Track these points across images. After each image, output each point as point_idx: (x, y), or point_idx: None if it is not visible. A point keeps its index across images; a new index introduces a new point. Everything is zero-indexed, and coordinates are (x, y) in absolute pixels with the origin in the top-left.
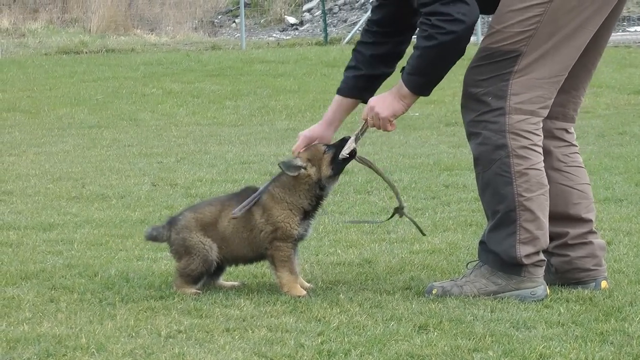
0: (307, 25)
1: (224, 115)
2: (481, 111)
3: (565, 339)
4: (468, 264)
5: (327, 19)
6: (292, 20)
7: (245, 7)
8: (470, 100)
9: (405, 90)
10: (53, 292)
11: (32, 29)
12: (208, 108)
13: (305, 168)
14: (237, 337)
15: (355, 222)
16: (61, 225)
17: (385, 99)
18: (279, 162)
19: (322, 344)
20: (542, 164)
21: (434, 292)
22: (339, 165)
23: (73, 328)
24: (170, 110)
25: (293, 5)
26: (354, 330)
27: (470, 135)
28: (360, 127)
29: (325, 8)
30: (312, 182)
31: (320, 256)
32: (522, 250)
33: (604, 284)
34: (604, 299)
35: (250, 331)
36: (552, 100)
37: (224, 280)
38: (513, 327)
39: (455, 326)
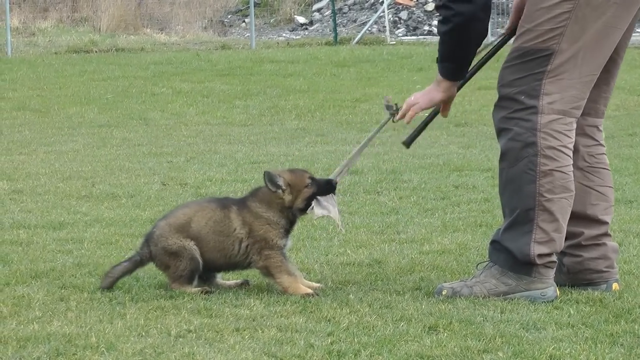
0: (316, 25)
1: (234, 114)
2: (514, 109)
3: (575, 340)
4: (478, 264)
5: (336, 18)
6: (301, 20)
7: (255, 6)
8: (503, 99)
9: (440, 77)
10: (63, 291)
11: (42, 28)
12: (218, 107)
13: (283, 190)
14: (247, 336)
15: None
16: (71, 224)
17: (426, 91)
18: (265, 171)
19: (331, 344)
20: (571, 168)
21: (443, 293)
22: (308, 206)
23: (83, 327)
24: (180, 109)
25: (303, 5)
26: (364, 330)
27: (501, 132)
28: (342, 165)
29: (335, 8)
30: (284, 206)
31: (330, 256)
32: (536, 250)
33: (615, 286)
34: (614, 301)
35: (260, 331)
36: (585, 100)
37: (224, 280)
38: (523, 328)
39: (465, 327)
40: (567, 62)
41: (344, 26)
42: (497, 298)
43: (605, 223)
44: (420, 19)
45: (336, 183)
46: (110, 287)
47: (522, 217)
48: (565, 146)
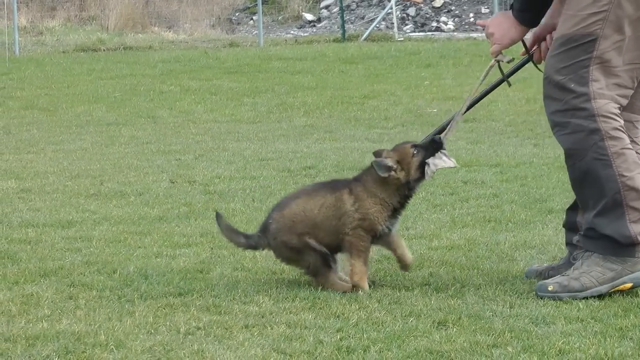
0: (324, 22)
1: (242, 112)
2: (566, 99)
3: (585, 334)
4: (573, 255)
5: (344, 15)
6: (309, 17)
7: (262, 4)
8: (553, 89)
9: (517, 23)
10: (72, 289)
11: (49, 27)
12: (226, 105)
13: (395, 170)
14: (256, 333)
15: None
16: (79, 222)
17: (505, 30)
18: (373, 161)
19: (341, 340)
20: (631, 144)
21: (550, 288)
22: (423, 172)
23: (92, 325)
24: (188, 107)
25: (310, 2)
26: (373, 326)
27: (555, 126)
28: (449, 125)
29: (343, 5)
30: (400, 184)
31: (339, 253)
32: (636, 229)
33: None
34: (623, 295)
35: (269, 327)
36: (631, 90)
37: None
38: (532, 323)
39: (474, 322)
40: (611, 48)
41: (351, 23)
42: (611, 288)
43: None
44: (428, 16)
45: (440, 139)
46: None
47: (610, 202)
48: (622, 125)
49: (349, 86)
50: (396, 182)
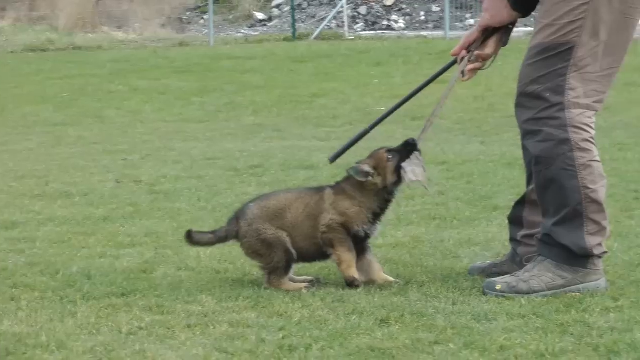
0: (275, 21)
1: (191, 111)
2: (540, 108)
3: (526, 330)
4: (525, 258)
5: (295, 14)
6: (260, 16)
7: (214, 3)
8: (527, 98)
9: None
10: (14, 290)
11: None
12: (174, 105)
13: (372, 176)
14: (198, 333)
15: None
16: (24, 223)
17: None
18: (348, 169)
19: (283, 338)
20: (599, 157)
21: (497, 287)
22: (400, 176)
23: (33, 326)
24: (136, 107)
25: (262, 1)
26: (316, 324)
27: (527, 134)
28: (423, 127)
29: (294, 4)
30: (379, 189)
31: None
32: (592, 241)
33: None
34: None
35: (211, 327)
36: (606, 94)
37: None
38: (474, 320)
39: (417, 319)
40: (588, 55)
41: (302, 22)
42: (555, 293)
43: None
44: (379, 14)
45: (414, 140)
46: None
47: (571, 212)
48: (593, 137)
49: (298, 85)
50: (374, 187)
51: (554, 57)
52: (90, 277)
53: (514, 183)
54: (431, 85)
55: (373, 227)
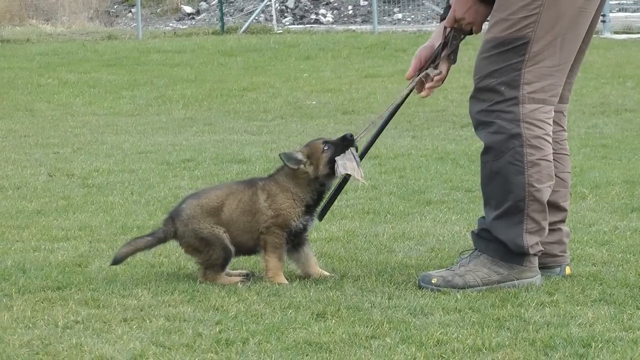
0: (203, 14)
1: (121, 105)
2: (494, 101)
3: (462, 325)
4: (462, 252)
5: (223, 8)
6: (188, 9)
7: None
8: (482, 91)
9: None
10: None
11: None
12: (104, 98)
13: (304, 164)
14: (134, 326)
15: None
16: None
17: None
18: (280, 154)
19: (220, 332)
20: (552, 156)
21: (433, 281)
22: (333, 169)
23: None
24: (66, 100)
25: None
26: (252, 318)
27: (479, 125)
28: (365, 127)
29: None
30: (310, 179)
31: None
32: (529, 240)
33: (568, 269)
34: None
35: (148, 321)
36: (562, 87)
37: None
38: (410, 314)
39: (353, 313)
40: (544, 49)
41: (230, 15)
42: (489, 287)
43: (564, 210)
44: (307, 8)
45: (352, 135)
46: (122, 260)
47: (512, 207)
48: (547, 134)
49: (228, 79)
50: (305, 176)
51: (509, 52)
52: (25, 271)
53: (446, 177)
54: (363, 80)
55: (309, 219)
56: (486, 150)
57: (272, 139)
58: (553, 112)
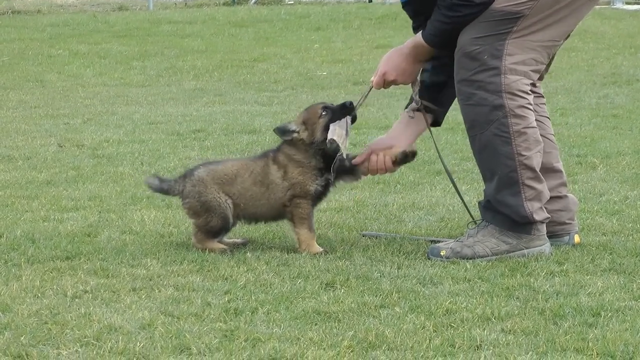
0: None
1: (131, 76)
2: (475, 70)
3: (472, 294)
4: (469, 223)
5: None
6: None
7: None
8: (464, 58)
9: (420, 43)
10: None
11: None
12: (115, 69)
13: (297, 132)
14: (143, 296)
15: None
16: None
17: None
18: (274, 128)
19: (229, 302)
20: (535, 122)
21: (442, 253)
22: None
23: None
24: (77, 71)
25: None
26: (261, 288)
27: (460, 94)
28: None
29: None
30: (307, 145)
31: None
32: (531, 207)
33: (577, 238)
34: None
35: (156, 290)
36: (544, 65)
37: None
38: (420, 284)
39: (362, 283)
40: (534, 25)
41: None
42: (499, 257)
43: (560, 171)
44: None
45: (351, 103)
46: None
47: (505, 179)
48: (530, 102)
49: (238, 49)
50: (301, 142)
51: (497, 22)
52: (34, 241)
53: (457, 147)
54: (374, 51)
55: (328, 180)
56: (471, 125)
57: (283, 109)
58: (530, 87)
